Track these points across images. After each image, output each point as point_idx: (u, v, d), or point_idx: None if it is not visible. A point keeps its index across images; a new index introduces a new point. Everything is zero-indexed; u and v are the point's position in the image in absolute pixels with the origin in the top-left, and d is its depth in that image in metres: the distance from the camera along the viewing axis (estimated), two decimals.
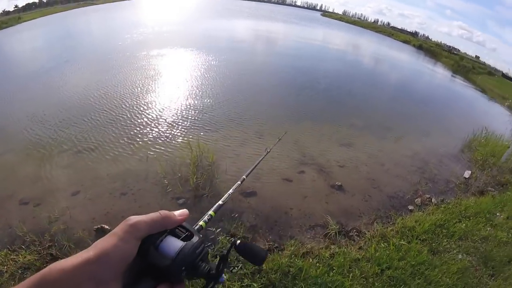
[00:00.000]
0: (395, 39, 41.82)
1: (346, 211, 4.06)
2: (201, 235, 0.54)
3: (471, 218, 4.21)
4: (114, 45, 13.14)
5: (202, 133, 5.65)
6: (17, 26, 23.11)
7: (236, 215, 3.61)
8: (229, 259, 0.57)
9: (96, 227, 3.23)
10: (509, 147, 7.48)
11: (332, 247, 3.32)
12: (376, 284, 2.87)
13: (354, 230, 3.65)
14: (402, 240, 3.45)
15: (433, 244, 3.50)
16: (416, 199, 4.55)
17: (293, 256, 3.09)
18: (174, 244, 0.49)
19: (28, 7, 43.87)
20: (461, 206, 4.47)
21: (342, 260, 3.07)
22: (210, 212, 0.73)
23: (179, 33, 17.50)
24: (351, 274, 2.92)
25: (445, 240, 3.62)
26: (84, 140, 5.10)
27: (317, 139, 6.04)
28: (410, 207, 4.34)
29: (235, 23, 28.76)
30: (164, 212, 0.51)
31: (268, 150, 1.62)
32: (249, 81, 9.41)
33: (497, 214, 4.57)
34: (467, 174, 5.65)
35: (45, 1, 49.00)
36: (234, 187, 0.94)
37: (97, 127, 5.54)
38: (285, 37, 23.86)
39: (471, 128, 7.85)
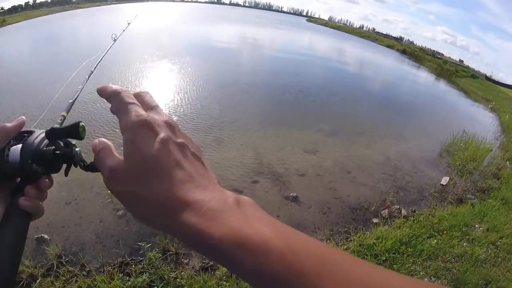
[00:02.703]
0: (379, 43, 42.23)
1: (298, 225, 3.48)
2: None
3: (445, 232, 3.72)
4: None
5: None
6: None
7: None
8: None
9: (37, 236, 3.07)
10: (491, 150, 7.07)
11: None
12: None
13: None
14: None
15: (395, 266, 2.98)
16: (383, 211, 4.01)
17: (224, 277, 2.66)
18: (16, 149, 0.48)
19: (14, 9, 43.01)
20: (434, 218, 3.97)
21: None
22: (63, 113, 0.72)
23: (158, 40, 16.52)
24: None
25: (410, 260, 3.11)
26: None
27: (279, 145, 5.47)
28: (375, 220, 3.79)
29: (222, 28, 28.07)
30: None
31: (116, 38, 1.49)
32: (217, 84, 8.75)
33: (476, 226, 4.09)
34: (444, 180, 5.16)
35: (31, 3, 48.24)
36: (83, 82, 0.92)
37: None
38: (266, 43, 23.22)
39: (451, 132, 7.41)
